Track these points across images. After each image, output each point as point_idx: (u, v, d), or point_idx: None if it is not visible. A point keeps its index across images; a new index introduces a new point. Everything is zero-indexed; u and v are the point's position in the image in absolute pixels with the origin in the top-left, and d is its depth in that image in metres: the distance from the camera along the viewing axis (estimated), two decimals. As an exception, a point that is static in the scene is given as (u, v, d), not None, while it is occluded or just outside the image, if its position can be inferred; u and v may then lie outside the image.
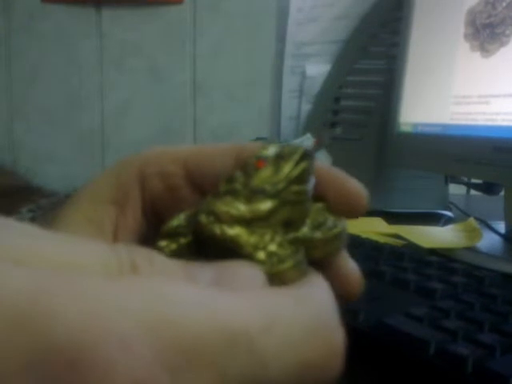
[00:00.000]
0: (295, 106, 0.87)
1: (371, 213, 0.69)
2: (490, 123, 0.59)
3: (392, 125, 0.74)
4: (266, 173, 0.18)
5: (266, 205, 0.17)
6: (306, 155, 0.18)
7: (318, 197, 0.19)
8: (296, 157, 0.18)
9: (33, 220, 0.39)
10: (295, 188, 0.17)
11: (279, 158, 0.18)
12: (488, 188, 0.77)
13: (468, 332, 0.30)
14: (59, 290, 0.11)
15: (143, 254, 0.13)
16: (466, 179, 0.90)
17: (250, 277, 0.15)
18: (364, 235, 0.56)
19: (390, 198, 0.78)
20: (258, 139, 0.87)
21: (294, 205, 0.18)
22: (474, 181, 0.87)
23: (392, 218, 0.68)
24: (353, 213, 0.20)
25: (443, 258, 0.49)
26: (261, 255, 0.16)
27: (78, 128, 1.63)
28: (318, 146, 0.19)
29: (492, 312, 0.33)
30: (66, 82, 1.61)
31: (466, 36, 0.63)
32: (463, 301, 0.35)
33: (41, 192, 0.45)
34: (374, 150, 0.78)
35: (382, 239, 0.57)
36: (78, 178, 0.40)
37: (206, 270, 0.14)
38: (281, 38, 0.88)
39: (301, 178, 0.18)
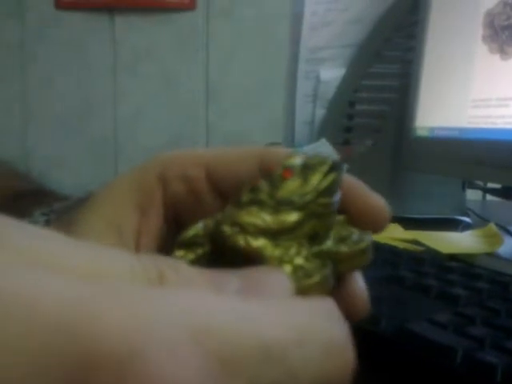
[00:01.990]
0: (309, 110, 0.87)
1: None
2: (509, 126, 0.58)
3: (408, 129, 0.73)
4: (293, 184, 0.17)
5: (292, 217, 0.16)
6: (335, 166, 0.17)
7: (339, 209, 0.19)
8: (325, 168, 0.17)
9: (47, 223, 0.38)
10: (323, 200, 0.17)
11: (307, 169, 0.17)
12: (506, 193, 0.75)
13: (496, 339, 0.29)
14: (101, 297, 0.11)
15: (169, 263, 0.13)
16: (482, 184, 0.88)
17: (277, 285, 0.15)
18: (382, 241, 0.55)
19: (406, 204, 0.77)
20: (271, 144, 0.87)
21: (321, 217, 0.17)
22: (490, 186, 0.86)
23: (408, 223, 0.67)
24: (375, 227, 0.20)
25: (464, 263, 0.48)
26: (287, 268, 0.16)
27: (91, 134, 1.63)
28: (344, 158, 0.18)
29: (519, 319, 0.32)
30: (79, 88, 1.62)
31: (484, 38, 0.62)
32: (488, 307, 0.34)
33: (54, 196, 0.45)
34: (390, 155, 0.77)
35: (400, 245, 0.56)
36: (90, 184, 0.39)
37: (232, 279, 0.14)
38: (295, 43, 0.87)
39: (329, 190, 0.17)
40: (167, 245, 0.21)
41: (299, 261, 0.16)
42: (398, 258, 0.47)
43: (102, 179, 0.28)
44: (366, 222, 0.20)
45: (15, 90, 1.63)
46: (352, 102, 0.82)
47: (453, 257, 0.52)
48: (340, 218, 0.19)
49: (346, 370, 0.14)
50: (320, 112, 0.85)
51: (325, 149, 0.80)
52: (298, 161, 0.18)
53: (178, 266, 0.13)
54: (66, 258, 0.12)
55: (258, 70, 1.55)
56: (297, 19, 0.86)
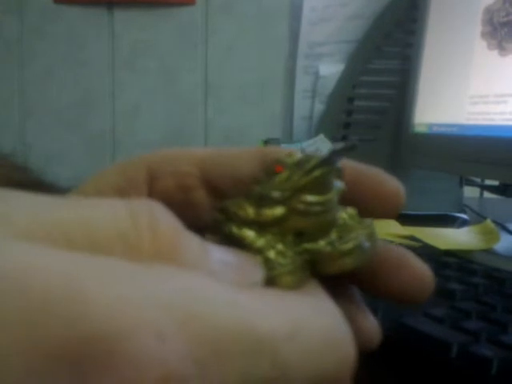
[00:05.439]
0: (308, 106, 0.86)
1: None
2: (507, 123, 0.58)
3: (406, 125, 0.73)
4: (278, 179, 0.17)
5: (274, 211, 0.16)
6: (323, 164, 0.17)
7: (352, 199, 0.18)
8: (308, 165, 0.17)
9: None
10: (305, 198, 0.17)
11: (295, 165, 0.17)
12: (504, 189, 0.75)
13: (491, 333, 0.29)
14: (90, 275, 0.10)
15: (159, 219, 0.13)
16: (479, 181, 0.88)
17: (250, 272, 0.15)
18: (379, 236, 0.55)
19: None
20: (269, 140, 0.87)
21: (306, 215, 0.17)
22: (488, 183, 0.86)
23: (406, 219, 0.67)
24: (390, 212, 0.19)
25: (460, 259, 0.48)
26: (258, 259, 0.16)
27: (89, 129, 1.63)
28: (339, 154, 0.18)
29: (515, 313, 0.32)
30: (77, 83, 1.62)
31: (483, 34, 0.62)
32: (484, 302, 0.34)
33: (53, 188, 0.45)
34: (388, 151, 0.77)
35: (397, 240, 0.56)
36: (88, 179, 0.39)
37: (222, 250, 0.14)
38: (294, 38, 0.87)
39: (312, 188, 0.17)
40: None
41: (271, 254, 0.16)
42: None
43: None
44: (382, 207, 0.19)
45: (14, 85, 1.63)
46: (351, 98, 0.82)
47: (449, 253, 0.52)
48: (351, 211, 0.18)
49: (345, 364, 0.13)
50: (319, 108, 0.85)
51: (323, 144, 0.80)
52: (294, 158, 0.17)
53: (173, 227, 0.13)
54: (46, 215, 0.12)
55: (257, 66, 1.55)
56: (296, 14, 0.86)
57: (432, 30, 0.70)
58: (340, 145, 0.16)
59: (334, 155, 0.17)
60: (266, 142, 0.85)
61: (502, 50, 0.59)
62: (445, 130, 0.67)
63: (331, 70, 0.83)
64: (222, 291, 0.12)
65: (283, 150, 0.21)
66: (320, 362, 0.12)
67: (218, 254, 0.14)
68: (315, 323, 0.13)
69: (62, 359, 0.10)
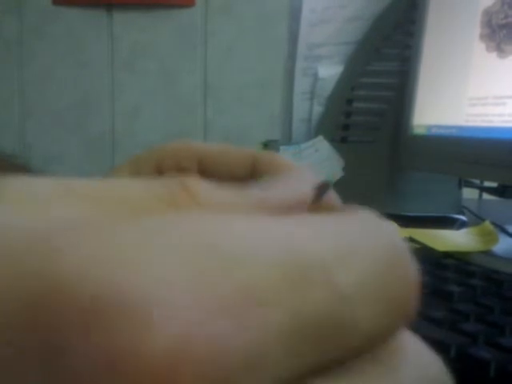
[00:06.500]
0: (307, 108, 0.87)
1: (384, 216, 0.68)
2: (506, 125, 0.58)
3: (405, 127, 0.73)
4: None
5: None
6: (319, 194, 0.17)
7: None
8: None
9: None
10: None
11: None
12: (502, 191, 0.76)
13: (489, 335, 0.29)
14: (81, 231, 0.09)
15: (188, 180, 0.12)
16: (478, 183, 0.88)
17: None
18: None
19: (402, 202, 0.77)
20: (268, 142, 0.87)
21: None
22: (487, 185, 0.86)
23: (404, 221, 0.67)
24: None
25: (459, 261, 0.48)
26: None
27: (89, 130, 1.63)
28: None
29: (513, 316, 0.32)
30: (77, 84, 1.62)
31: (481, 37, 0.62)
32: (483, 304, 0.34)
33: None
34: (387, 153, 0.78)
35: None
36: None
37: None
38: (293, 40, 0.87)
39: None
40: None
41: None
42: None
43: (100, 175, 0.28)
44: None
45: (14, 85, 1.63)
46: (350, 100, 0.82)
47: (448, 254, 0.52)
48: None
49: (411, 290, 0.11)
50: (317, 109, 0.85)
51: (322, 146, 0.80)
52: None
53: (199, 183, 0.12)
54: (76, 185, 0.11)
55: (256, 67, 1.55)
56: (295, 16, 0.86)
57: (431, 31, 0.70)
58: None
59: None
60: (266, 145, 0.85)
61: (500, 52, 0.59)
62: (443, 132, 0.67)
63: (330, 71, 0.83)
64: (259, 223, 0.10)
65: (275, 156, 0.21)
66: (383, 283, 0.11)
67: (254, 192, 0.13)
68: (375, 237, 0.11)
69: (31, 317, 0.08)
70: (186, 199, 0.11)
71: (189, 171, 0.22)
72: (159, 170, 0.22)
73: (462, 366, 0.27)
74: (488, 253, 0.55)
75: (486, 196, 0.94)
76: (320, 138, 0.80)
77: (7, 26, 1.60)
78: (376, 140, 0.79)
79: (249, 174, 0.21)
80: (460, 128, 0.65)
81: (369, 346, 0.11)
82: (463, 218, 0.76)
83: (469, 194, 0.92)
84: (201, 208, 0.11)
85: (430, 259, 0.46)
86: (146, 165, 0.22)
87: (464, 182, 0.80)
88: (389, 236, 0.11)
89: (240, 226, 0.10)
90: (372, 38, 0.80)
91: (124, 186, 0.11)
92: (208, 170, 0.22)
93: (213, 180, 0.19)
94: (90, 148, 1.64)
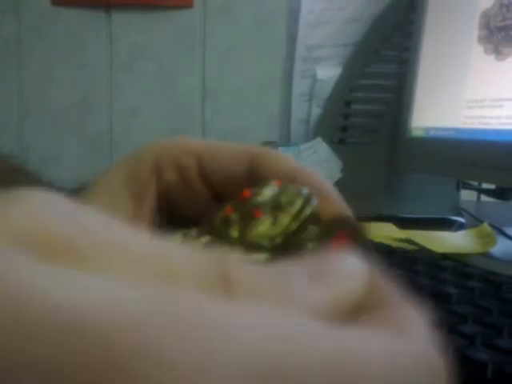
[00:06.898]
0: (305, 109, 0.87)
1: (382, 218, 0.68)
2: (503, 127, 0.58)
3: (403, 129, 0.73)
4: (263, 225, 0.16)
5: (261, 256, 0.16)
6: (306, 204, 0.17)
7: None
8: (294, 209, 0.17)
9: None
10: (294, 239, 0.17)
11: (276, 208, 0.17)
12: (500, 193, 0.76)
13: (487, 337, 0.29)
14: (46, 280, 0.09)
15: (234, 262, 0.11)
16: (476, 185, 0.89)
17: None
18: (375, 239, 0.56)
19: (400, 203, 0.77)
20: (266, 143, 0.87)
21: (292, 250, 0.17)
22: (485, 186, 0.87)
23: (403, 223, 0.67)
24: None
25: (457, 263, 0.49)
26: None
27: (87, 130, 1.63)
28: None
29: (511, 317, 0.32)
30: (75, 85, 1.62)
31: (479, 39, 0.62)
32: (481, 306, 0.34)
33: (51, 187, 0.45)
34: (385, 155, 0.78)
35: (393, 244, 0.56)
36: (99, 176, 0.40)
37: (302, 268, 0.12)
38: (291, 41, 0.87)
39: (300, 229, 0.17)
40: (159, 232, 0.21)
41: None
42: (391, 256, 0.48)
43: (98, 175, 0.28)
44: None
45: (12, 85, 1.63)
46: (348, 102, 0.82)
47: (446, 256, 0.52)
48: (315, 228, 0.18)
49: (440, 378, 0.12)
50: (316, 111, 0.85)
51: (320, 148, 0.80)
52: (266, 195, 0.17)
53: (245, 268, 0.11)
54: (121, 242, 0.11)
55: (255, 69, 1.55)
56: (293, 17, 0.86)
57: (429, 33, 0.71)
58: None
59: (311, 194, 0.17)
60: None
61: (498, 54, 0.60)
62: (441, 134, 0.68)
63: (329, 73, 0.84)
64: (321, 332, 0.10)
65: (273, 153, 0.21)
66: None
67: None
68: (407, 348, 0.11)
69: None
70: (224, 289, 0.11)
71: (187, 168, 0.22)
72: (157, 168, 0.22)
73: (460, 367, 0.27)
74: (486, 255, 0.55)
75: (483, 198, 0.94)
76: (318, 139, 0.80)
77: (6, 26, 1.59)
78: (374, 142, 0.79)
79: (247, 170, 0.21)
80: (458, 130, 0.65)
81: None
82: (461, 219, 0.76)
83: (467, 195, 0.92)
84: (236, 300, 0.11)
85: (428, 261, 0.46)
86: (144, 161, 0.22)
87: (462, 184, 0.80)
88: (422, 341, 0.12)
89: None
90: (370, 39, 0.80)
91: (165, 256, 0.11)
92: (206, 167, 0.22)
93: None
94: (89, 148, 1.64)
